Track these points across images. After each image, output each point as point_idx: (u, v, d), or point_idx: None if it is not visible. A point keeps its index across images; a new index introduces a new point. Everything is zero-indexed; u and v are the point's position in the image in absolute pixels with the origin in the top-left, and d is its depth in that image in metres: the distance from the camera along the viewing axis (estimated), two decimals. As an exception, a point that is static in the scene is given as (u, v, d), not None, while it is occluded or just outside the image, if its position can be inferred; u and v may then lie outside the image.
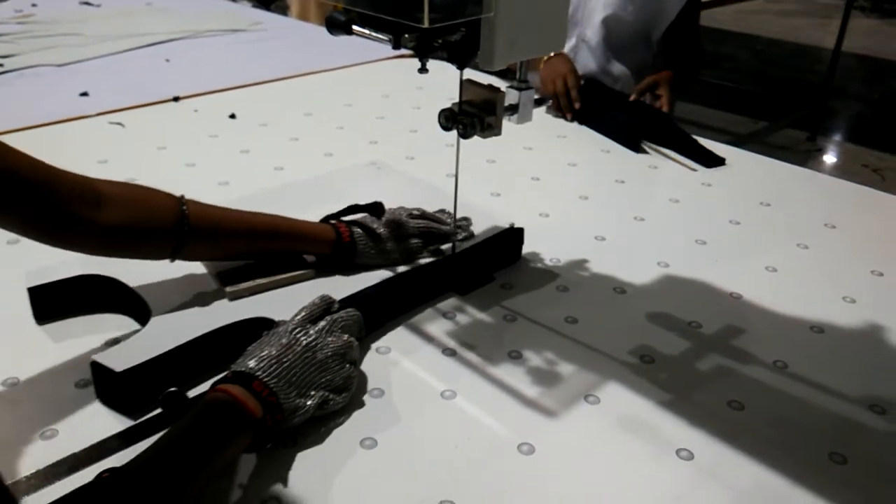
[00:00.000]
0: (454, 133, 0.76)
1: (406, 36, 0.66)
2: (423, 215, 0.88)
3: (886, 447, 0.66)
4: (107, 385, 0.67)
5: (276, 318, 0.72)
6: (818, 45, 4.94)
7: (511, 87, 0.75)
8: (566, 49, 1.61)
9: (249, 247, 0.80)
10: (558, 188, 1.12)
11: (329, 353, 0.66)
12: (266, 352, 0.63)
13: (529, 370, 0.73)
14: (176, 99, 1.41)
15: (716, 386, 0.72)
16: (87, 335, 0.75)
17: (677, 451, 0.64)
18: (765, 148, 3.18)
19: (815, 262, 0.95)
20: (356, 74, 1.61)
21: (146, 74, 1.57)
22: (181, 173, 1.11)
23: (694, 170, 1.19)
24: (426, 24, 0.59)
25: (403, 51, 0.68)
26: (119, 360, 0.65)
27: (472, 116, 0.74)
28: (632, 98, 1.44)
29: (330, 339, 0.68)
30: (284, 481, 0.60)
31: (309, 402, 0.63)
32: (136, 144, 1.21)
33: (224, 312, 0.74)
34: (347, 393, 0.67)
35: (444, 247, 0.87)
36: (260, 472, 0.61)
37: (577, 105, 1.38)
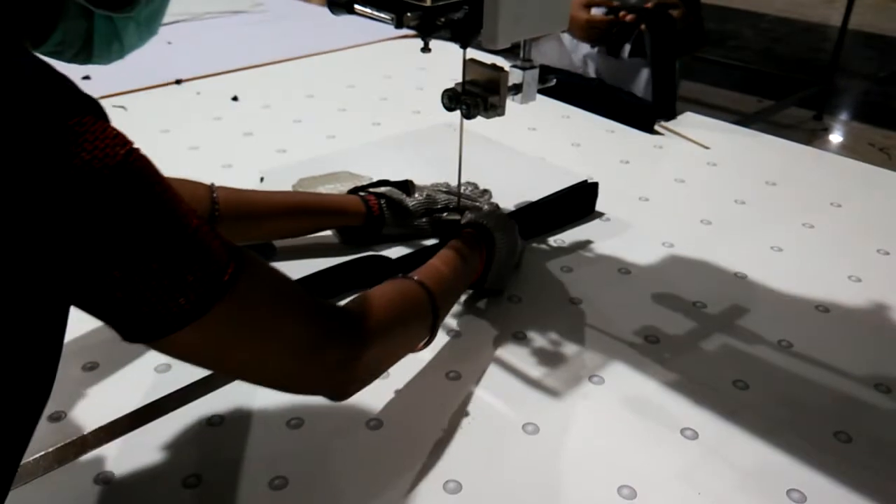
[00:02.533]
0: (458, 114, 0.75)
1: (408, 15, 0.65)
2: (452, 191, 0.90)
3: (891, 426, 0.66)
4: None
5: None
6: (824, 22, 4.89)
7: (515, 66, 0.74)
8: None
9: (283, 225, 0.83)
10: (563, 168, 1.12)
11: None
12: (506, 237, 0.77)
13: (534, 351, 0.73)
14: (178, 82, 1.40)
15: (720, 365, 0.72)
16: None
17: (682, 431, 0.64)
18: (770, 127, 3.16)
19: (821, 242, 0.94)
20: (358, 55, 1.60)
21: (148, 57, 1.54)
22: (184, 156, 1.11)
23: (707, 147, 1.18)
24: (429, 3, 0.58)
25: (406, 31, 0.67)
26: None
27: (475, 96, 0.73)
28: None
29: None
30: (291, 461, 0.60)
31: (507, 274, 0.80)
32: (139, 128, 1.19)
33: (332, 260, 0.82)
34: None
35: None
36: (267, 451, 0.61)
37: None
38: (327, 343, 0.53)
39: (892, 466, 0.62)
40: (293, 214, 0.83)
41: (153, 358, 0.70)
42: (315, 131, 1.21)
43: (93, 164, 0.40)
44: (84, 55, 0.56)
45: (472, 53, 0.74)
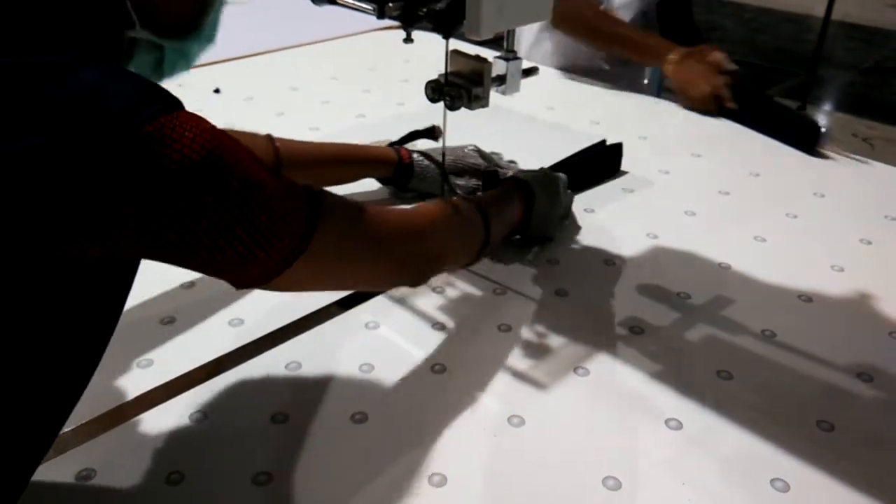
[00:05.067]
0: (441, 105, 0.75)
1: (390, 5, 0.64)
2: (482, 153, 0.96)
3: (873, 415, 0.66)
4: None
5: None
6: (808, 13, 4.92)
7: (499, 57, 0.74)
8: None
9: (331, 173, 0.89)
10: (548, 160, 1.12)
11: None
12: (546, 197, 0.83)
13: (519, 343, 0.73)
14: (159, 74, 1.39)
15: (704, 356, 0.72)
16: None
17: (666, 421, 0.64)
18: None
19: (804, 232, 0.95)
20: (341, 47, 1.59)
21: (128, 49, 1.54)
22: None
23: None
24: (410, -7, 0.57)
25: (390, 22, 0.67)
26: None
27: (459, 88, 0.73)
28: None
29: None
30: (276, 456, 0.60)
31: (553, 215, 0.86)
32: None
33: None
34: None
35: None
36: (251, 447, 0.61)
37: (729, 105, 1.28)
38: (403, 264, 0.64)
39: (874, 455, 0.62)
40: (339, 163, 0.90)
41: (136, 352, 0.70)
42: (298, 124, 1.20)
43: (183, 162, 0.43)
44: (155, 78, 0.58)
45: (457, 45, 0.73)
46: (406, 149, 0.94)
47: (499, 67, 0.74)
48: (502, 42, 0.74)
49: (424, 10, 0.65)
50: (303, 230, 0.51)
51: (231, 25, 1.91)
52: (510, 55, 0.74)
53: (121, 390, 0.66)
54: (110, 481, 0.58)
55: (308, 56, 1.53)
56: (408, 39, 0.68)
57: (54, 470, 0.58)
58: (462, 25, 0.66)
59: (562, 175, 0.88)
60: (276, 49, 1.54)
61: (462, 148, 0.96)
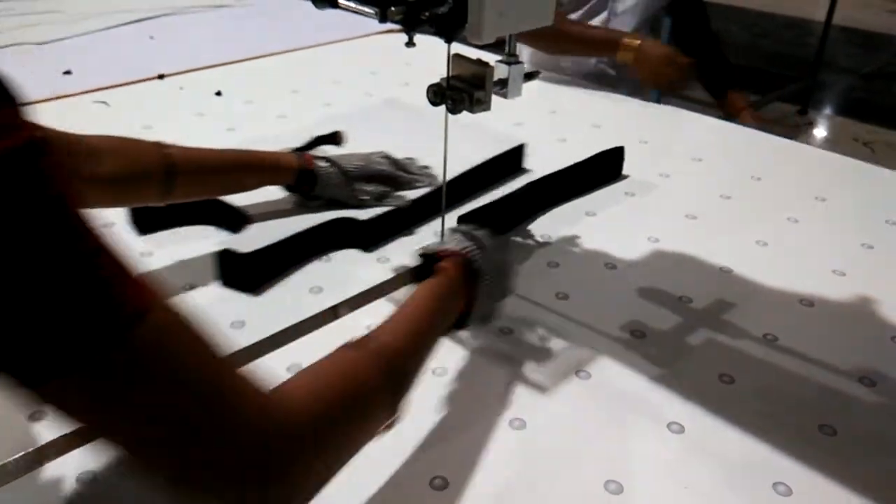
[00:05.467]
0: (443, 109, 0.75)
1: (392, 9, 0.64)
2: (391, 160, 0.95)
3: (875, 419, 0.66)
4: (232, 269, 0.81)
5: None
6: (809, 18, 4.92)
7: (500, 61, 0.74)
8: (597, 22, 1.60)
9: (227, 180, 0.85)
10: (548, 165, 1.12)
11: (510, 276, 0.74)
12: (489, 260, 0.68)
13: (520, 346, 0.73)
14: (161, 76, 1.39)
15: (706, 359, 0.72)
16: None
17: (668, 425, 0.64)
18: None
19: (806, 236, 0.95)
20: (343, 50, 1.59)
21: (130, 52, 1.54)
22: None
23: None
24: (412, -3, 0.58)
25: (391, 26, 0.67)
26: (243, 246, 0.81)
27: (460, 91, 0.73)
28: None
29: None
30: (276, 460, 0.59)
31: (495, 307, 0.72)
32: (122, 123, 1.19)
33: (309, 219, 0.87)
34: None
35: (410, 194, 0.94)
36: (251, 451, 0.60)
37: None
38: (228, 466, 0.39)
39: (876, 459, 0.62)
40: (237, 170, 0.85)
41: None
42: (299, 127, 1.20)
43: None
44: None
45: (458, 49, 0.73)
46: (310, 155, 0.91)
47: (500, 71, 0.74)
48: (504, 46, 0.75)
49: (426, 14, 0.65)
50: (126, 319, 0.34)
51: (233, 28, 1.92)
52: (512, 59, 0.74)
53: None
54: (111, 483, 0.57)
55: (309, 59, 1.54)
56: (410, 43, 0.68)
57: (56, 471, 0.58)
58: (464, 29, 0.66)
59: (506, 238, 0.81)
60: (278, 52, 1.55)
61: (371, 154, 0.95)
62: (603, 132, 1.23)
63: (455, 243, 0.68)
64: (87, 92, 1.30)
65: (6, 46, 1.52)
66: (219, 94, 1.32)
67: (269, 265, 0.83)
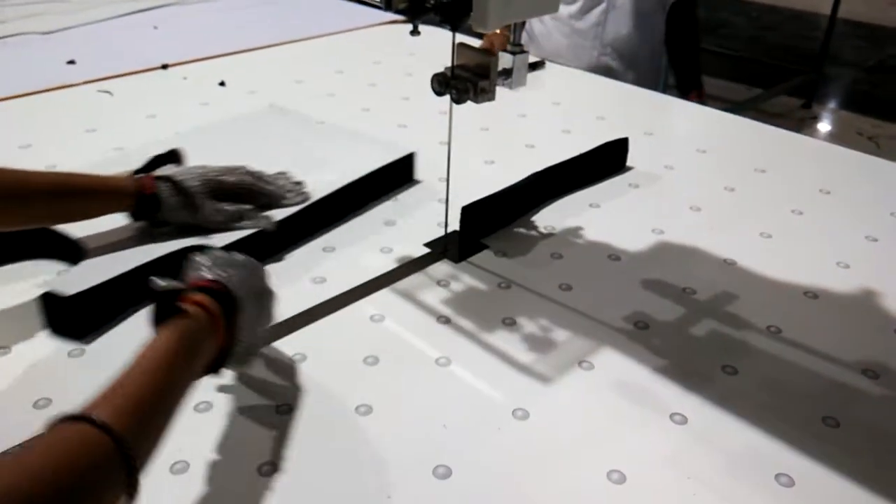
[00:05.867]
0: (447, 100, 0.75)
1: (398, -3, 0.64)
2: (250, 173, 0.84)
3: (879, 411, 0.66)
4: (58, 313, 0.70)
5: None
6: (814, 11, 4.90)
7: (505, 50, 0.74)
8: (595, 14, 1.61)
9: (44, 209, 0.73)
10: (552, 156, 1.12)
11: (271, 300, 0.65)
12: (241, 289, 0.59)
13: (524, 337, 0.73)
14: (165, 66, 1.39)
15: (709, 351, 0.72)
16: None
17: (671, 416, 0.64)
18: (759, 115, 3.15)
19: (810, 228, 0.94)
20: (347, 41, 1.59)
21: (134, 42, 1.54)
22: (171, 142, 1.10)
23: None
24: (418, -15, 0.57)
25: (395, 16, 0.67)
26: (68, 287, 0.70)
27: (465, 81, 0.73)
28: None
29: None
30: (281, 447, 0.60)
31: (260, 335, 0.63)
32: (126, 113, 1.19)
33: (155, 249, 0.77)
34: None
35: (281, 214, 0.84)
36: (256, 437, 0.61)
37: None
38: None
39: (879, 451, 0.62)
40: (56, 197, 0.73)
41: (138, 343, 0.70)
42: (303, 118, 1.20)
43: None
44: None
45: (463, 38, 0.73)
46: (151, 177, 0.78)
47: (505, 61, 0.74)
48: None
49: (432, 2, 0.65)
50: None
51: (237, 19, 1.92)
52: (517, 49, 0.74)
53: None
54: (115, 471, 0.57)
55: (313, 50, 1.53)
56: (415, 32, 0.68)
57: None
58: (469, 18, 0.66)
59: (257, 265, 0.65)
60: (281, 42, 1.54)
61: (230, 168, 0.83)
62: (607, 124, 1.23)
63: (205, 271, 0.59)
64: (90, 81, 1.30)
65: (11, 36, 1.51)
66: (222, 84, 1.31)
67: (100, 307, 0.72)
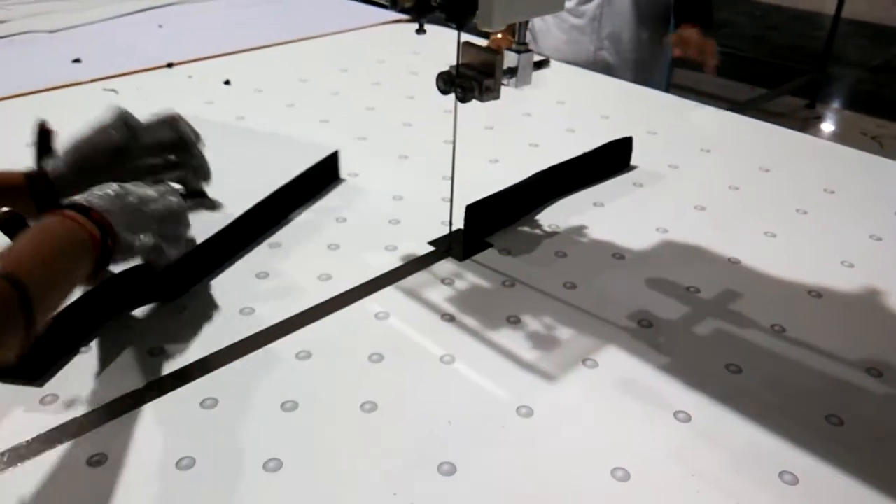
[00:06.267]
0: (452, 99, 0.75)
1: (404, -4, 0.65)
2: (177, 126, 0.82)
3: (883, 409, 0.66)
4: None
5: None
6: (818, 10, 4.89)
7: (510, 49, 0.74)
8: (592, 6, 1.61)
9: None
10: (557, 155, 1.12)
11: (162, 208, 0.68)
12: (101, 191, 0.64)
13: (528, 335, 0.73)
14: (170, 65, 1.39)
15: (714, 349, 0.72)
16: None
17: (675, 413, 0.64)
18: (763, 115, 3.15)
19: (814, 227, 0.94)
20: (352, 40, 1.59)
21: (139, 40, 1.55)
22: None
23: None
24: (424, -16, 0.58)
25: (400, 15, 0.67)
26: None
27: (470, 79, 0.73)
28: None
29: (166, 198, 0.69)
30: (285, 443, 0.60)
31: (143, 240, 0.66)
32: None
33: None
34: (178, 251, 0.71)
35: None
36: (261, 433, 0.61)
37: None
38: None
39: (882, 449, 0.62)
40: None
41: (147, 340, 0.70)
42: (308, 116, 1.21)
43: None
44: None
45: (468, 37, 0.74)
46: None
47: (510, 60, 0.74)
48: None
49: (437, 1, 0.65)
50: None
51: (242, 17, 1.92)
52: (522, 47, 0.74)
53: (132, 377, 0.66)
54: (121, 466, 0.58)
55: (318, 48, 1.54)
56: (420, 30, 0.68)
57: (66, 454, 0.59)
58: (474, 16, 0.66)
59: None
60: (287, 41, 1.55)
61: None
62: (611, 122, 1.23)
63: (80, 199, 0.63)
64: (96, 80, 1.30)
65: (17, 34, 1.52)
66: (227, 82, 1.32)
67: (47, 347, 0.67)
